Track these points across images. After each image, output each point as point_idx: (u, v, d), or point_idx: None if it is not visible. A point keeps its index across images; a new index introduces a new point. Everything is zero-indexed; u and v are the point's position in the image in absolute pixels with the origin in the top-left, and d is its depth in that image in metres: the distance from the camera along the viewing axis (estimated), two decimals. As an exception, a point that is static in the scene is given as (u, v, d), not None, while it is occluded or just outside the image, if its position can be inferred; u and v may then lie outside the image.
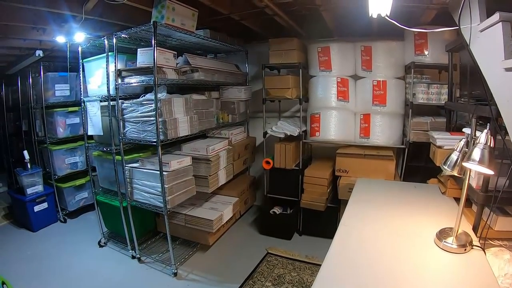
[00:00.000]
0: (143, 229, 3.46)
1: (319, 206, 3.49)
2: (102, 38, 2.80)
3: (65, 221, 4.15)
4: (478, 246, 1.65)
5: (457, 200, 2.33)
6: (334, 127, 3.45)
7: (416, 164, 3.22)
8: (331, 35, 3.59)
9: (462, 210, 1.68)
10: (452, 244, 1.62)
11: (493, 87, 1.48)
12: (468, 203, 2.28)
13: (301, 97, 3.55)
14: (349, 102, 3.45)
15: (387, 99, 3.23)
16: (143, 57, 2.72)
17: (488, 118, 1.72)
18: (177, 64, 2.93)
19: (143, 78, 2.70)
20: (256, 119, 4.40)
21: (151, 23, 2.41)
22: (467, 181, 1.66)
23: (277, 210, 3.84)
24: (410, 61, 3.03)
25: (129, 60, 3.05)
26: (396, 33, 3.12)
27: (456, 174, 1.71)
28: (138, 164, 2.97)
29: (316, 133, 3.54)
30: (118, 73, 2.83)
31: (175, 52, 2.80)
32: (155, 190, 2.81)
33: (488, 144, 1.42)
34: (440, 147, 2.57)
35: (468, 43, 1.76)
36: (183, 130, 2.88)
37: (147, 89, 3.24)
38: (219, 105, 3.69)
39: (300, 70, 3.47)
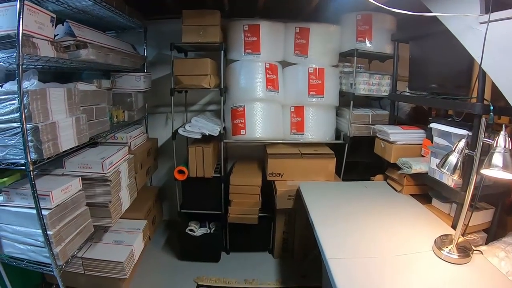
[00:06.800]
0: (28, 285, 2.27)
1: (251, 219, 2.91)
2: None
3: None
4: (478, 250, 1.61)
5: (414, 196, 2.32)
6: (261, 122, 2.86)
7: (353, 160, 2.96)
8: (253, 16, 2.98)
9: (463, 220, 1.62)
10: (454, 254, 1.54)
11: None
12: (427, 199, 2.28)
13: (222, 87, 2.84)
14: (279, 93, 2.92)
15: (325, 89, 2.83)
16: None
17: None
18: (55, 36, 1.82)
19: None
20: (154, 115, 3.48)
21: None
22: (472, 187, 1.53)
23: (194, 227, 3.09)
24: (351, 48, 2.70)
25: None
26: (332, 17, 2.78)
27: (456, 178, 1.66)
28: (2, 199, 1.78)
29: (241, 130, 2.90)
30: None
31: (54, 15, 1.69)
32: (34, 240, 1.71)
33: (509, 147, 1.32)
34: (393, 142, 2.35)
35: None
36: (67, 140, 1.80)
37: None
38: (111, 99, 2.62)
39: (222, 52, 2.73)
